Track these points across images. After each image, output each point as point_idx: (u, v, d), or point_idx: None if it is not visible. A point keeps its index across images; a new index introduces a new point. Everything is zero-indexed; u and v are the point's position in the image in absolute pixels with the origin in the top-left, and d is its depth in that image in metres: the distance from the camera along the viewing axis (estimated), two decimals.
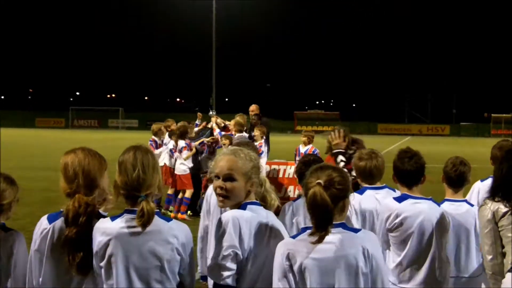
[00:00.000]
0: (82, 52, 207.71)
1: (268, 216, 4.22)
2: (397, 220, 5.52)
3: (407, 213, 5.51)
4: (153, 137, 16.37)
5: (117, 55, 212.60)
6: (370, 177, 6.15)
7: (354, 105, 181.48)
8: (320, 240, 3.72)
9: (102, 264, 3.98)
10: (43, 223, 4.19)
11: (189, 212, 15.06)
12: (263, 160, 14.13)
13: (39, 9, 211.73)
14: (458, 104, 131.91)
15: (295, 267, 3.77)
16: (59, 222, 4.13)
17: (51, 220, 4.17)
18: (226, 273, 3.98)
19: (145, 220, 3.92)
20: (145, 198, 3.97)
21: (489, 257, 4.99)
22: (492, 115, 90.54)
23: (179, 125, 15.75)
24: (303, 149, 15.92)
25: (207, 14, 73.94)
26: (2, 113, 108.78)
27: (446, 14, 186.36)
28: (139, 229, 3.95)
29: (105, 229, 3.99)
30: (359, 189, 6.23)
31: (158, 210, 4.07)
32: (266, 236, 4.11)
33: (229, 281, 3.98)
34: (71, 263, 3.99)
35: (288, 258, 3.79)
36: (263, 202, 4.36)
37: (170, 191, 15.77)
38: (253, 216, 4.10)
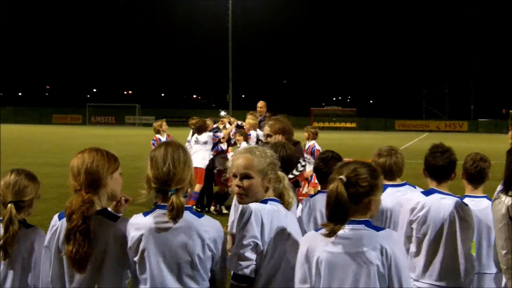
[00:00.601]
0: (99, 49, 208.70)
1: (287, 213, 4.25)
2: (422, 213, 5.50)
3: (433, 207, 5.48)
4: (156, 135, 16.50)
5: (133, 52, 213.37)
6: (390, 174, 6.09)
7: (371, 101, 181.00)
8: (331, 234, 3.72)
9: (136, 258, 4.01)
10: (53, 220, 4.21)
11: (194, 207, 15.01)
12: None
13: (57, 6, 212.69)
14: (476, 100, 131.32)
15: (313, 260, 3.78)
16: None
17: (60, 217, 4.17)
18: (245, 263, 4.02)
19: (174, 214, 3.93)
20: (175, 192, 3.97)
21: (504, 251, 4.92)
22: (510, 111, 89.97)
23: (195, 120, 15.84)
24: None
25: (224, 10, 74.00)
26: (19, 109, 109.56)
27: (464, 9, 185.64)
28: (170, 224, 3.97)
29: (138, 224, 4.03)
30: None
31: (190, 206, 4.08)
32: (286, 232, 4.13)
33: (247, 271, 4.02)
34: (67, 257, 3.97)
35: (308, 250, 3.82)
36: (281, 199, 4.37)
37: None
38: (274, 210, 4.12)
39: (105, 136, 13.75)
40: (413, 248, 5.61)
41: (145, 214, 4.07)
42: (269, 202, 4.18)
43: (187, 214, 4.00)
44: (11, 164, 9.19)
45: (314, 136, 15.94)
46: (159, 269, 3.97)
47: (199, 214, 4.11)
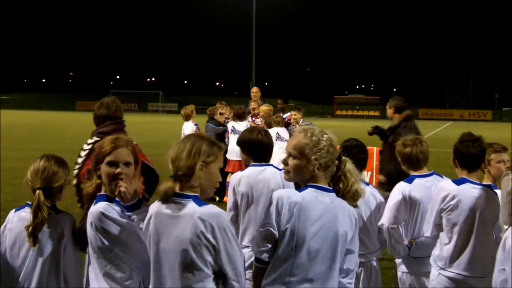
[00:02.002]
0: (123, 36, 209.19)
1: (327, 204, 4.12)
2: (453, 202, 5.48)
3: (464, 196, 5.47)
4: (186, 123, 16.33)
5: (157, 39, 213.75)
6: (416, 163, 6.07)
7: (394, 89, 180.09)
8: None
9: (147, 243, 4.09)
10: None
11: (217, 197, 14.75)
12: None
13: None
14: (500, 89, 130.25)
15: None
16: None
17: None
18: (261, 248, 4.09)
19: (160, 197, 3.99)
20: (171, 178, 3.97)
21: (506, 226, 4.88)
22: None
23: (235, 107, 15.53)
24: None
25: None
26: (43, 96, 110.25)
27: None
28: (170, 211, 3.95)
29: (150, 209, 4.09)
30: (407, 178, 6.16)
31: (196, 195, 3.99)
32: (310, 223, 4.08)
33: (263, 256, 4.09)
34: None
35: None
36: (337, 185, 4.28)
37: None
38: (305, 200, 4.07)
39: (128, 123, 13.82)
40: (443, 237, 5.61)
41: (159, 199, 4.09)
42: (309, 188, 4.12)
43: (189, 202, 3.94)
44: (36, 150, 9.29)
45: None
46: (157, 255, 3.99)
47: (201, 203, 3.99)
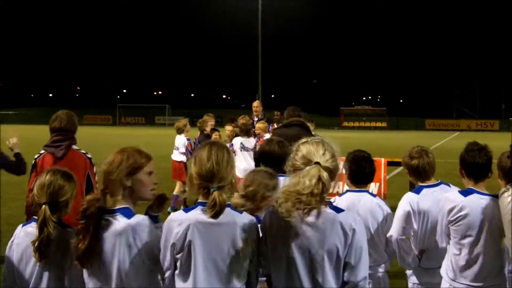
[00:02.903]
0: (129, 50, 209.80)
1: None
2: (461, 214, 5.42)
3: (472, 207, 5.41)
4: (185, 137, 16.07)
5: (163, 53, 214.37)
6: (424, 174, 6.04)
7: (401, 100, 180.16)
8: None
9: (179, 255, 4.03)
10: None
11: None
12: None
13: (87, 8, 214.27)
14: (507, 99, 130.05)
15: None
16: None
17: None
18: None
19: (217, 210, 3.96)
20: (217, 189, 3.99)
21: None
22: None
23: (242, 123, 15.33)
24: None
25: (254, 10, 73.99)
26: (50, 110, 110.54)
27: (495, 8, 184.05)
28: (215, 220, 3.98)
29: (181, 220, 4.05)
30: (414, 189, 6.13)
31: (229, 203, 4.11)
32: None
33: None
34: None
35: None
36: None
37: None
38: None
39: (135, 136, 13.69)
40: (453, 248, 5.55)
41: (186, 210, 4.11)
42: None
43: (228, 210, 4.02)
44: None
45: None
46: (205, 263, 3.99)
47: (240, 211, 4.13)
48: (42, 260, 4.32)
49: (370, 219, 5.77)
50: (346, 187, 6.33)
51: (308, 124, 14.82)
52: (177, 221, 4.06)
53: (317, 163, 3.89)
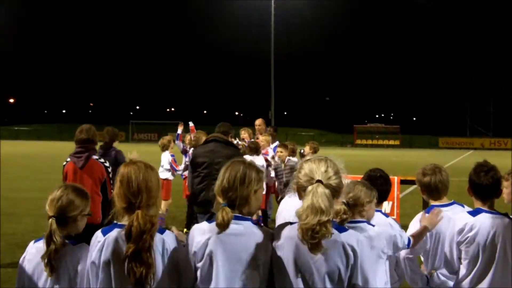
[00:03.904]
0: (142, 67, 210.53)
1: None
2: (471, 234, 5.39)
3: (481, 227, 5.38)
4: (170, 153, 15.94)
5: (176, 70, 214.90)
6: (436, 192, 6.02)
7: (414, 118, 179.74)
8: None
9: (200, 264, 4.10)
10: (98, 236, 4.20)
11: None
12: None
13: (100, 25, 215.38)
14: None
15: None
16: (114, 234, 4.12)
17: (105, 232, 4.17)
18: None
19: (218, 225, 4.07)
20: (225, 206, 4.09)
21: None
22: None
23: (252, 141, 15.27)
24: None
25: (266, 28, 74.21)
26: (63, 126, 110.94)
27: (509, 28, 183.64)
28: (235, 230, 4.08)
29: (203, 229, 4.16)
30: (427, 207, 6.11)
31: (250, 218, 4.18)
32: None
33: None
34: (133, 278, 3.97)
35: None
36: None
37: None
38: None
39: (148, 153, 13.85)
40: (462, 269, 5.51)
41: (209, 221, 4.18)
42: None
43: (248, 224, 4.12)
44: (57, 180, 9.36)
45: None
46: (225, 273, 4.03)
47: (258, 225, 4.21)
48: (53, 273, 4.33)
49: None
50: None
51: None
52: (200, 230, 4.17)
53: (319, 181, 3.89)
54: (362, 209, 5.11)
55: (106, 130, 12.38)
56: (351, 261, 3.86)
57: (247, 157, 14.56)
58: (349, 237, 3.92)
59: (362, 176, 6.13)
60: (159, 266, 4.07)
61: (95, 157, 9.01)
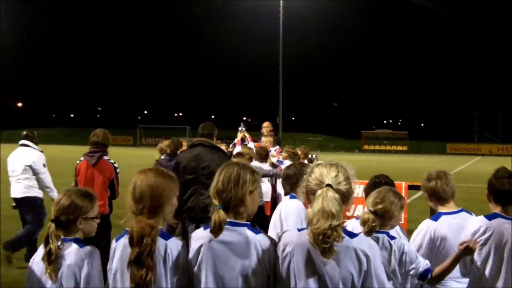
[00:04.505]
0: (150, 71, 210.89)
1: None
2: (484, 236, 5.38)
3: (496, 231, 5.37)
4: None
5: (184, 75, 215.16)
6: (443, 196, 6.02)
7: (422, 124, 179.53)
8: None
9: (195, 269, 4.13)
10: (112, 244, 4.31)
11: None
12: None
13: (109, 30, 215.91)
14: None
15: None
16: (123, 240, 4.18)
17: (117, 240, 4.26)
18: None
19: (212, 228, 4.06)
20: (221, 208, 4.08)
21: None
22: None
23: (260, 147, 15.19)
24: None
25: (274, 33, 74.32)
26: (71, 131, 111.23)
27: None
28: (229, 237, 4.07)
29: (198, 236, 4.18)
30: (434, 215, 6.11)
31: (249, 223, 4.16)
32: None
33: None
34: (133, 282, 4.00)
35: None
36: None
37: None
38: None
39: (155, 158, 13.87)
40: (475, 271, 5.50)
41: (205, 227, 4.18)
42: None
43: (244, 230, 4.09)
44: (65, 185, 9.43)
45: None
46: (215, 282, 4.04)
47: (256, 231, 4.15)
48: (54, 275, 4.35)
49: None
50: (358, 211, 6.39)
51: (220, 143, 14.59)
52: (194, 237, 4.20)
53: (329, 185, 3.88)
54: (389, 221, 5.15)
55: (172, 139, 14.18)
56: (364, 266, 3.83)
57: (255, 164, 14.57)
58: (361, 242, 3.90)
59: (366, 181, 6.15)
60: (160, 271, 4.09)
61: (106, 157, 10.21)
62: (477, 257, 5.46)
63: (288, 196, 6.57)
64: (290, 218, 6.23)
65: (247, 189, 4.17)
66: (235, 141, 15.58)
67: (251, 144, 15.15)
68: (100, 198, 9.30)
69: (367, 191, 6.19)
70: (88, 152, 10.28)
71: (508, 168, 5.63)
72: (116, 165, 10.34)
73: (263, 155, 14.32)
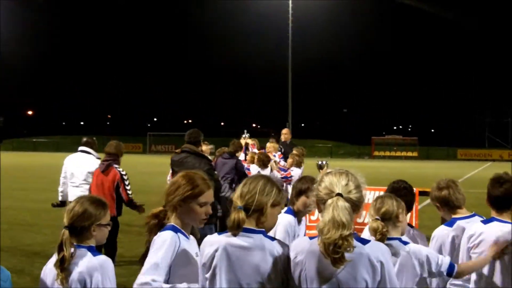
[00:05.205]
0: (159, 79, 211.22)
1: None
2: (478, 240, 5.46)
3: (490, 234, 5.42)
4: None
5: (193, 82, 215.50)
6: (457, 203, 6.04)
7: (432, 130, 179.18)
8: None
9: (208, 275, 4.12)
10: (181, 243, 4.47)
11: None
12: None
13: (118, 37, 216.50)
14: None
15: None
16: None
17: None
18: None
19: (230, 226, 4.08)
20: (241, 209, 4.10)
21: None
22: None
23: (263, 154, 15.40)
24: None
25: (284, 39, 74.35)
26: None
27: None
28: (244, 243, 4.06)
29: (212, 241, 4.16)
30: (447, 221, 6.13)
31: (264, 230, 4.17)
32: None
33: None
34: None
35: None
36: None
37: None
38: None
39: (166, 165, 13.99)
40: (473, 275, 5.57)
41: (220, 233, 4.19)
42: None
43: (260, 236, 4.09)
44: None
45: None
46: (228, 286, 4.04)
47: (271, 238, 4.16)
48: (65, 282, 4.36)
49: None
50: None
51: (205, 147, 14.61)
52: (209, 242, 4.17)
53: (339, 194, 3.85)
54: (396, 221, 5.13)
55: (233, 142, 14.93)
56: (378, 272, 3.80)
57: (255, 168, 14.76)
58: (374, 248, 3.86)
59: (379, 188, 6.17)
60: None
61: (115, 165, 11.45)
62: (474, 260, 5.51)
63: (285, 209, 6.53)
64: (278, 232, 6.21)
65: (271, 199, 4.18)
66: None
67: (255, 151, 15.34)
68: (107, 197, 10.59)
69: None
70: (102, 160, 11.75)
71: None
72: (123, 172, 11.43)
73: (265, 162, 14.57)
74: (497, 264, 5.40)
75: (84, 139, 12.95)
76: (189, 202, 4.47)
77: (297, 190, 6.54)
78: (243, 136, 15.65)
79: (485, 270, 5.46)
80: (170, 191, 4.52)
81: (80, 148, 12.70)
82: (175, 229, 4.41)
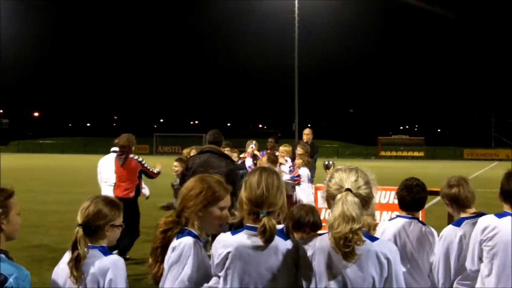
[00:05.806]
0: (166, 80, 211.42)
1: None
2: (492, 233, 5.45)
3: (503, 228, 5.42)
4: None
5: (200, 83, 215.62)
6: (466, 202, 6.05)
7: (439, 130, 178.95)
8: None
9: (221, 274, 4.12)
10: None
11: None
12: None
13: (124, 39, 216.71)
14: None
15: None
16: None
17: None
18: None
19: (267, 236, 4.00)
20: (266, 215, 4.06)
21: None
22: None
23: (271, 152, 15.41)
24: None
25: (290, 40, 74.26)
26: (88, 140, 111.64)
27: None
28: (258, 243, 4.04)
29: (226, 242, 4.13)
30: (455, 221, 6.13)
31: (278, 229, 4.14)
32: None
33: None
34: None
35: None
36: None
37: None
38: None
39: (172, 166, 14.06)
40: (483, 269, 5.55)
41: (233, 233, 4.15)
42: None
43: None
44: (81, 194, 9.53)
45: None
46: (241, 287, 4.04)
47: (284, 237, 4.14)
48: (78, 281, 4.36)
49: (417, 246, 5.89)
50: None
51: (227, 150, 14.57)
52: (222, 242, 4.13)
53: (348, 189, 3.88)
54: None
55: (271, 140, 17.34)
56: (385, 269, 3.83)
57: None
58: (382, 245, 3.90)
59: (385, 187, 6.17)
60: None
61: (131, 155, 12.55)
62: (485, 254, 5.51)
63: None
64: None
65: (284, 194, 4.25)
66: (244, 154, 15.67)
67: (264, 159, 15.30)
68: (128, 184, 12.53)
69: (399, 194, 6.24)
70: (118, 153, 12.71)
71: None
72: (140, 159, 12.79)
73: (275, 160, 14.52)
74: (507, 263, 5.38)
75: (116, 140, 13.27)
76: (209, 207, 4.45)
77: None
78: (251, 146, 15.62)
79: (492, 270, 5.45)
80: (189, 196, 4.47)
81: (112, 149, 13.47)
82: (194, 236, 4.37)
